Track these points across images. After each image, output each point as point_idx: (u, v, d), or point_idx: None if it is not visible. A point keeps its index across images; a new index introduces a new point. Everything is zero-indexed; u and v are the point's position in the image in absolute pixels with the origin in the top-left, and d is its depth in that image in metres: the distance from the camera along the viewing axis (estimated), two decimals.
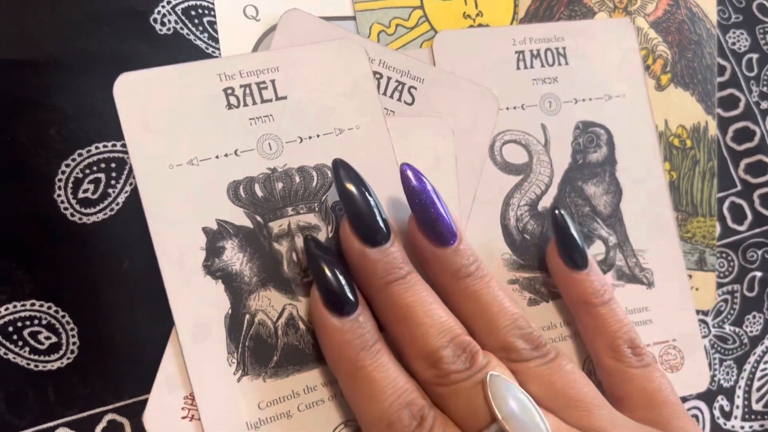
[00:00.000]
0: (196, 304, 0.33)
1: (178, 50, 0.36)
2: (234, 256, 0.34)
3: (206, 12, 0.37)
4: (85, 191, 0.34)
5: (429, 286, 0.34)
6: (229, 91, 0.36)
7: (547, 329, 0.40)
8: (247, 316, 0.34)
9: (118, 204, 0.34)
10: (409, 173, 0.34)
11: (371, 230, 0.33)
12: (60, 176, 0.34)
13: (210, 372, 0.33)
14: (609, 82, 0.43)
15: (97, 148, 0.34)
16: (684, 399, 0.43)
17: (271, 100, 0.36)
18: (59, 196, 0.33)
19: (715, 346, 0.45)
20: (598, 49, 0.44)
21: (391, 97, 0.39)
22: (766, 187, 0.47)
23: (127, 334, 0.33)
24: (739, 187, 0.47)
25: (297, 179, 0.36)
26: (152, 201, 0.34)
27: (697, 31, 0.47)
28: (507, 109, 0.41)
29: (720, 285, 0.46)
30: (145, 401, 0.33)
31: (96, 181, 0.34)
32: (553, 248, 0.39)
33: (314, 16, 0.38)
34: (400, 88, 0.39)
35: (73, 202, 0.34)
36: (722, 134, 0.47)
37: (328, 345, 0.33)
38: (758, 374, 0.46)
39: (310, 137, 0.36)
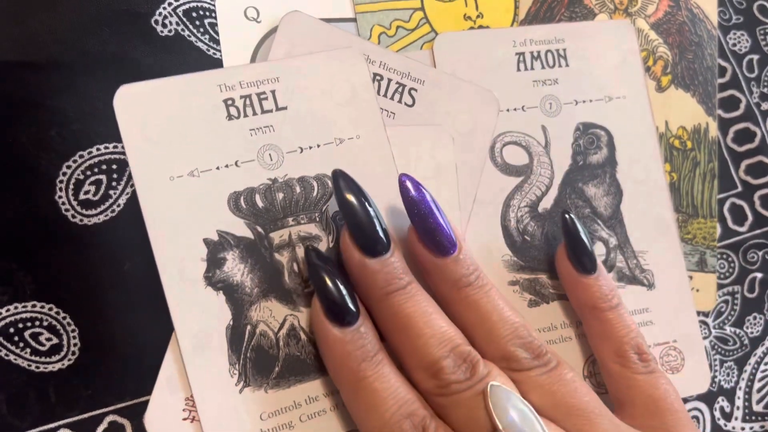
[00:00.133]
0: (197, 316, 0.33)
1: (179, 52, 0.36)
2: (235, 267, 0.34)
3: (207, 14, 0.37)
4: (87, 193, 0.34)
5: (429, 296, 0.34)
6: (230, 102, 0.36)
7: (548, 330, 0.40)
8: (249, 327, 0.34)
9: (119, 205, 0.34)
10: (408, 184, 0.34)
11: (371, 241, 0.33)
12: (61, 177, 0.34)
13: (212, 383, 0.33)
14: (609, 84, 0.44)
15: (98, 149, 0.34)
16: (684, 400, 0.43)
17: (271, 111, 0.36)
18: (60, 197, 0.33)
19: (716, 347, 0.45)
20: (599, 51, 0.44)
21: (392, 98, 0.39)
22: (766, 188, 0.47)
23: (128, 335, 0.33)
24: (739, 188, 0.47)
25: (297, 189, 0.36)
26: (153, 212, 0.34)
27: (698, 32, 0.47)
28: (507, 110, 0.41)
29: (720, 286, 0.46)
30: (146, 402, 0.33)
31: (97, 183, 0.34)
32: (563, 252, 0.39)
33: (315, 18, 0.38)
34: (400, 89, 0.39)
35: (74, 203, 0.34)
36: (723, 135, 0.47)
37: (330, 356, 0.33)
38: (759, 375, 0.46)
39: (310, 147, 0.36)
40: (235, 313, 0.34)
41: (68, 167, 0.34)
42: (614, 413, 0.37)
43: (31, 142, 0.33)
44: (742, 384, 0.46)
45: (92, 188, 0.34)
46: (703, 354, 0.43)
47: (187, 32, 0.37)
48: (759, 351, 0.46)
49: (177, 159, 0.34)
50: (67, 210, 0.33)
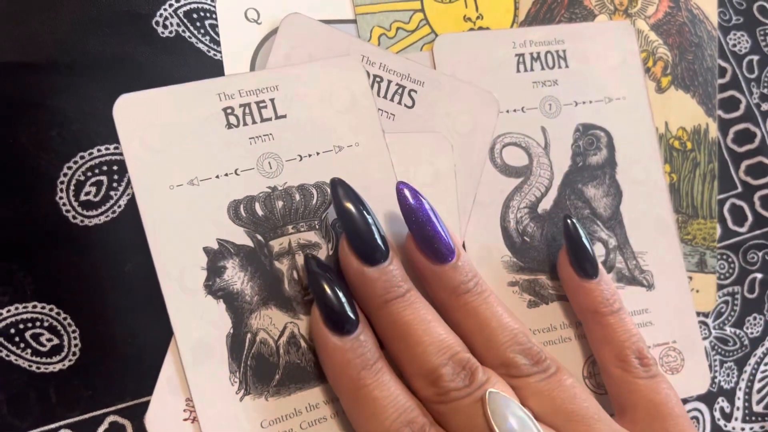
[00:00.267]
0: (197, 324, 0.34)
1: (179, 53, 0.36)
2: (235, 276, 0.35)
3: (208, 15, 0.37)
4: (87, 194, 0.34)
5: (428, 304, 0.34)
6: (229, 111, 0.36)
7: (547, 331, 0.40)
8: (249, 335, 0.34)
9: (120, 207, 0.34)
10: (406, 192, 0.34)
11: (369, 249, 0.33)
12: (62, 178, 0.34)
13: (212, 392, 0.33)
14: (609, 85, 0.44)
15: (99, 150, 0.34)
16: (684, 401, 0.43)
17: (270, 119, 0.36)
18: (61, 198, 0.33)
19: (716, 347, 0.45)
20: (599, 52, 0.44)
21: (392, 100, 0.39)
22: (766, 189, 0.47)
23: (128, 335, 0.33)
24: (739, 189, 0.47)
25: (297, 197, 0.36)
26: (153, 221, 0.34)
27: (698, 33, 0.47)
28: (507, 111, 0.41)
29: (720, 287, 0.46)
30: (147, 403, 0.33)
31: (98, 184, 0.34)
32: (564, 257, 0.39)
33: (315, 20, 0.38)
34: (400, 91, 0.39)
35: (75, 204, 0.34)
36: (723, 136, 0.47)
37: (329, 364, 0.33)
38: (759, 376, 0.46)
39: (309, 155, 0.36)
40: (235, 321, 0.34)
41: (69, 168, 0.34)
42: (615, 417, 0.37)
43: (31, 143, 0.33)
44: (742, 384, 0.46)
45: (93, 189, 0.34)
46: (703, 355, 0.43)
47: (187, 33, 0.37)
48: (759, 351, 0.46)
49: (176, 168, 0.34)
50: (68, 211, 0.33)
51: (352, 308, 0.33)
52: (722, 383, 0.45)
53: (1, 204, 0.33)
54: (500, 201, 0.40)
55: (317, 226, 0.36)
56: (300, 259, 0.35)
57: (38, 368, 0.33)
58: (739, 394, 0.45)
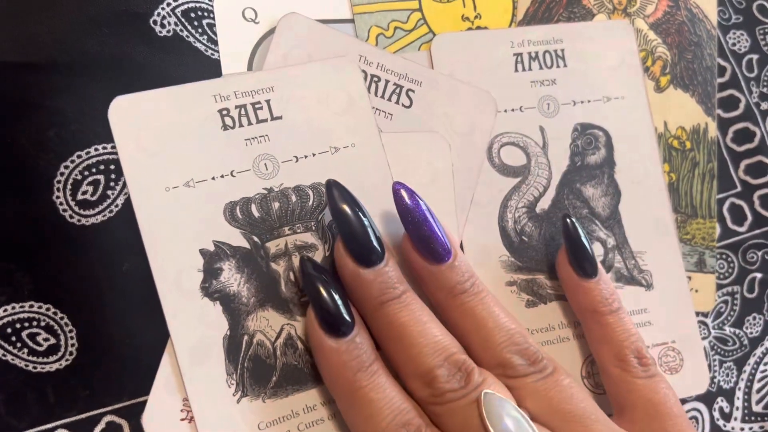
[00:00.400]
0: (194, 326, 0.34)
1: (177, 52, 0.36)
2: (231, 277, 0.35)
3: (205, 14, 0.37)
4: (84, 193, 0.34)
5: (424, 305, 0.34)
6: (225, 112, 0.36)
7: (546, 331, 0.40)
8: (246, 337, 0.34)
9: (117, 206, 0.34)
10: (402, 192, 0.34)
11: (365, 251, 0.33)
12: (59, 178, 0.34)
13: (209, 394, 0.33)
14: (608, 84, 0.43)
15: (96, 150, 0.34)
16: (683, 401, 0.43)
17: (266, 120, 0.36)
18: (58, 197, 0.33)
19: (715, 347, 0.45)
20: (597, 51, 0.44)
21: (389, 100, 0.39)
22: (766, 188, 0.47)
23: (125, 335, 0.33)
24: (739, 188, 0.47)
25: (293, 198, 0.36)
26: (149, 223, 0.34)
27: (697, 32, 0.47)
28: (505, 111, 0.41)
29: (720, 286, 0.46)
30: (144, 403, 0.33)
31: (95, 183, 0.34)
32: (563, 256, 0.39)
33: (312, 19, 0.38)
34: (398, 91, 0.39)
35: (72, 203, 0.34)
36: (722, 135, 0.47)
37: (325, 366, 0.33)
38: (758, 375, 0.46)
39: (305, 156, 0.36)
40: (231, 323, 0.34)
41: (66, 167, 0.34)
42: (613, 417, 0.37)
43: (29, 143, 0.33)
44: (742, 384, 0.46)
45: (90, 188, 0.34)
46: (702, 354, 0.43)
47: (185, 33, 0.37)
48: (758, 351, 0.46)
49: (172, 169, 0.34)
50: (65, 210, 0.33)
51: (347, 310, 0.33)
52: (721, 383, 0.45)
53: None
54: (498, 200, 0.40)
55: (314, 228, 0.36)
56: (297, 261, 0.35)
57: (35, 368, 0.33)
58: (739, 394, 0.45)
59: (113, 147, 0.34)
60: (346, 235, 0.33)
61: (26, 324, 0.33)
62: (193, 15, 0.37)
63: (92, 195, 0.34)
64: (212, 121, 0.35)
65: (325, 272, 0.34)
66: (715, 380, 0.45)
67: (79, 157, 0.34)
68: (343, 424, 0.34)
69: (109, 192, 0.34)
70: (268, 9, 0.38)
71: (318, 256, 0.36)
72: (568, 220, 0.38)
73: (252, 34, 0.38)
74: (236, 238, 0.35)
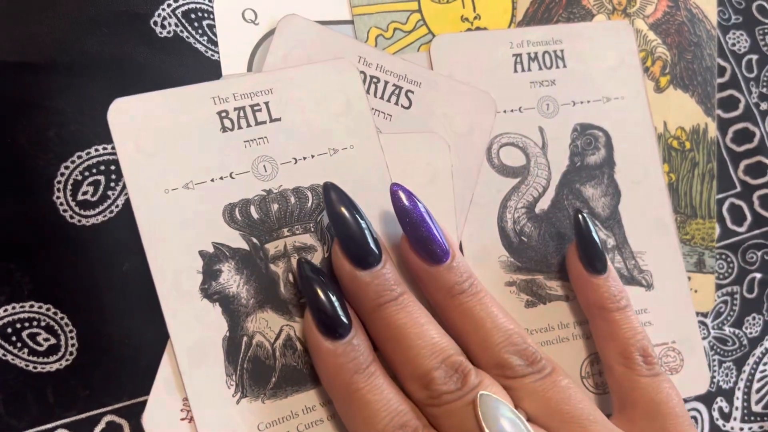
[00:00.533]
0: (193, 327, 0.34)
1: (177, 53, 0.36)
2: (231, 279, 0.35)
3: (206, 15, 0.37)
4: (85, 193, 0.34)
5: (422, 306, 0.34)
6: (224, 114, 0.36)
7: (545, 331, 0.40)
8: (245, 338, 0.34)
9: (117, 206, 0.34)
10: (400, 193, 0.34)
11: (362, 253, 0.33)
12: (59, 178, 0.34)
13: (209, 395, 0.33)
14: (607, 85, 0.43)
15: (96, 150, 0.34)
16: (683, 401, 0.43)
17: (265, 122, 0.36)
18: (58, 198, 0.34)
19: (715, 347, 0.45)
20: (597, 52, 0.44)
21: (389, 101, 0.39)
22: (765, 189, 0.47)
23: (125, 335, 0.33)
24: (738, 189, 0.47)
25: (292, 200, 0.36)
26: (148, 225, 0.34)
27: (697, 32, 0.47)
28: (504, 112, 0.41)
29: (719, 286, 0.46)
30: (144, 402, 0.33)
31: (95, 183, 0.34)
32: (573, 251, 0.39)
33: (312, 21, 0.38)
34: (397, 92, 0.39)
35: (72, 204, 0.34)
36: (722, 135, 0.47)
37: (323, 368, 0.33)
38: (757, 375, 0.46)
39: (304, 158, 0.36)
40: (231, 324, 0.34)
41: (66, 168, 0.34)
42: (614, 415, 0.37)
43: (29, 143, 0.34)
44: (741, 384, 0.45)
45: (90, 189, 0.34)
46: (703, 355, 0.43)
47: (185, 33, 0.37)
48: (758, 351, 0.46)
49: (172, 171, 0.34)
50: (65, 210, 0.34)
51: (344, 312, 0.33)
52: (721, 383, 0.45)
53: None
54: (498, 201, 0.40)
55: (312, 229, 0.36)
56: (296, 262, 0.35)
57: (35, 368, 0.33)
58: (738, 394, 0.45)
59: (113, 147, 0.34)
60: (343, 238, 0.33)
61: (26, 324, 0.33)
62: (193, 16, 0.37)
63: (92, 195, 0.34)
64: (211, 123, 0.35)
65: (323, 274, 0.34)
66: (715, 380, 0.45)
67: (79, 157, 0.34)
68: (342, 424, 0.34)
69: (110, 192, 0.34)
70: (268, 10, 0.38)
71: (317, 258, 0.36)
72: (579, 216, 0.38)
73: (252, 35, 0.38)
74: (235, 239, 0.35)
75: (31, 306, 0.33)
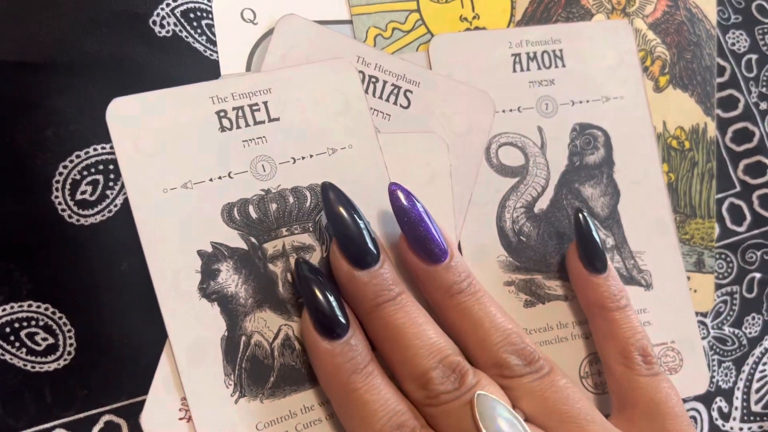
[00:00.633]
0: (192, 327, 0.34)
1: (176, 53, 0.36)
2: (229, 278, 0.35)
3: (204, 15, 0.37)
4: (83, 193, 0.34)
5: (420, 306, 0.34)
6: (222, 114, 0.36)
7: (544, 331, 0.40)
8: (243, 338, 0.34)
9: (116, 206, 0.34)
10: (398, 193, 0.34)
11: (360, 253, 0.33)
12: (58, 178, 0.34)
13: (207, 394, 0.33)
14: (606, 84, 0.43)
15: (95, 149, 0.34)
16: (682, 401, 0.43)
17: (264, 122, 0.36)
18: (57, 197, 0.34)
19: (714, 347, 0.45)
20: (596, 51, 0.44)
21: (387, 100, 0.39)
22: (765, 188, 0.47)
23: (124, 335, 0.33)
24: (738, 188, 0.47)
25: (291, 200, 0.36)
26: (147, 224, 0.34)
27: (696, 32, 0.47)
28: (503, 111, 0.41)
29: (719, 286, 0.46)
30: (143, 402, 0.33)
31: (94, 183, 0.34)
32: (573, 250, 0.39)
33: (310, 21, 0.38)
34: (395, 91, 0.39)
35: (71, 203, 0.34)
36: (721, 135, 0.47)
37: (320, 368, 0.33)
38: (757, 375, 0.46)
39: (303, 158, 0.36)
40: (229, 323, 0.34)
41: (65, 167, 0.34)
42: (612, 415, 0.37)
43: (28, 142, 0.34)
44: (741, 384, 0.45)
45: (89, 188, 0.34)
46: (702, 354, 0.43)
47: (184, 33, 0.37)
48: (757, 351, 0.46)
49: (170, 171, 0.34)
50: (63, 210, 0.34)
51: (342, 312, 0.33)
52: (720, 383, 0.45)
53: None
54: (496, 201, 0.40)
55: (311, 229, 0.36)
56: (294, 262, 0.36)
57: (33, 367, 0.33)
58: (738, 393, 0.45)
59: (112, 147, 0.34)
60: (341, 238, 0.33)
61: (25, 323, 0.33)
62: (192, 15, 0.37)
63: (91, 195, 0.34)
64: (210, 123, 0.35)
65: (320, 274, 0.34)
66: (714, 380, 0.45)
67: (78, 157, 0.34)
68: (340, 424, 0.34)
69: (108, 192, 0.34)
70: (267, 10, 0.38)
71: (315, 257, 0.36)
72: (580, 215, 0.38)
73: (251, 34, 0.38)
74: (234, 239, 0.35)
75: (30, 306, 0.33)
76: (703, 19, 0.47)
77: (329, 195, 0.34)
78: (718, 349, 0.45)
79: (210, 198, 0.35)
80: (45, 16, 0.35)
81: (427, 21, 0.41)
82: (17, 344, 0.33)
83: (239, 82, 0.36)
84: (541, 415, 0.33)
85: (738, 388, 0.45)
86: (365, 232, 0.33)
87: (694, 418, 0.44)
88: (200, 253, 0.34)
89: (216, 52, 0.37)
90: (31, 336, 0.33)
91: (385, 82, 0.39)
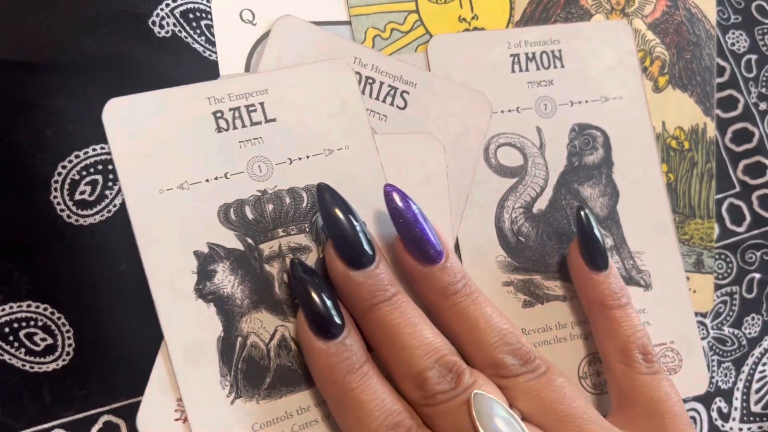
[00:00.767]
0: (188, 328, 0.34)
1: (175, 53, 0.36)
2: (225, 279, 0.35)
3: (204, 15, 0.37)
4: (82, 193, 0.34)
5: (416, 306, 0.34)
6: (219, 115, 0.36)
7: (542, 331, 0.40)
8: (240, 339, 0.34)
9: (115, 206, 0.34)
10: (393, 194, 0.34)
11: (355, 254, 0.33)
12: (56, 178, 0.34)
13: (203, 395, 0.33)
14: (605, 85, 0.43)
15: (94, 149, 0.34)
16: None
17: (260, 123, 0.36)
18: (56, 197, 0.34)
19: (714, 347, 0.45)
20: (595, 52, 0.44)
21: (384, 101, 0.39)
22: (764, 189, 0.47)
23: (123, 335, 0.33)
24: (737, 189, 0.47)
25: (287, 200, 0.36)
26: (143, 225, 0.34)
27: (696, 32, 0.47)
28: (502, 112, 0.41)
29: (719, 287, 0.46)
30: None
31: (93, 183, 0.34)
32: (575, 248, 0.39)
33: (307, 22, 0.38)
34: (392, 92, 0.39)
35: (70, 203, 0.34)
36: (721, 135, 0.47)
37: (316, 369, 0.33)
38: (756, 376, 0.46)
39: (299, 158, 0.36)
40: (225, 324, 0.34)
41: (64, 167, 0.34)
42: (612, 413, 0.37)
43: (27, 142, 0.34)
44: (740, 384, 0.45)
45: (88, 188, 0.34)
46: (701, 355, 0.43)
47: (183, 33, 0.37)
48: (757, 351, 0.46)
49: (166, 172, 0.34)
50: (62, 210, 0.34)
51: (337, 313, 0.33)
52: (720, 383, 0.45)
53: None
54: (495, 201, 0.40)
55: (307, 229, 0.36)
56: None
57: (32, 368, 0.33)
58: (737, 394, 0.45)
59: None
60: (336, 239, 0.33)
61: (23, 324, 0.33)
62: (191, 16, 0.37)
63: (90, 195, 0.34)
64: (206, 124, 0.35)
65: (315, 275, 0.34)
66: (714, 380, 0.45)
67: (77, 157, 0.34)
68: (336, 425, 0.34)
69: (107, 192, 0.34)
70: (266, 10, 0.38)
71: (312, 258, 0.36)
72: (582, 213, 0.38)
73: (249, 35, 0.38)
74: (230, 240, 0.35)
75: (29, 306, 0.33)
76: (703, 19, 0.47)
77: (325, 196, 0.34)
78: (717, 350, 0.45)
79: (206, 199, 0.35)
80: (44, 15, 0.35)
81: (425, 22, 0.41)
82: (16, 344, 0.33)
83: (236, 83, 0.36)
84: (538, 415, 0.33)
85: (737, 389, 0.45)
86: (360, 233, 0.33)
87: (693, 418, 0.44)
88: (196, 253, 0.34)
89: (215, 53, 0.37)
90: (29, 336, 0.33)
91: (381, 83, 0.39)
